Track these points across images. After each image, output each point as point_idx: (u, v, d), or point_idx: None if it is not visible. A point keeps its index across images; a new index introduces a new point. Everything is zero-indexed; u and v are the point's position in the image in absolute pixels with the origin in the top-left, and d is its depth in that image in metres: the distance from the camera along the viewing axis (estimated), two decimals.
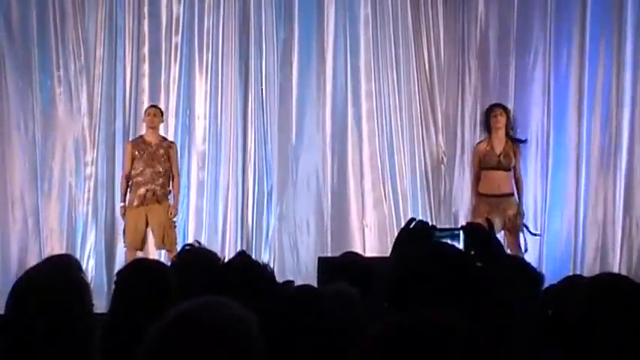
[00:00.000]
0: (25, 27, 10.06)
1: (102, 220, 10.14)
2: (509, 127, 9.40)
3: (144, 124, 9.51)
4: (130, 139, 9.78)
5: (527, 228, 9.32)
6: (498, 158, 9.20)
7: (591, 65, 10.34)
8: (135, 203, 9.17)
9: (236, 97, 10.46)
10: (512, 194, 9.24)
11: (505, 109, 9.44)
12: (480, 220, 8.69)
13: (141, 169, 9.19)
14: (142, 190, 9.17)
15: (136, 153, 9.23)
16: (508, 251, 8.84)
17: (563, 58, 10.45)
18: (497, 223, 8.85)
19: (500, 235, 8.96)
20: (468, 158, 10.51)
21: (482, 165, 9.31)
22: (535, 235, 9.53)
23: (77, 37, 10.23)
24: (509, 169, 9.24)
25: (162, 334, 1.59)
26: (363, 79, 10.61)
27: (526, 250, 9.18)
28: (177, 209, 9.38)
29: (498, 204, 9.13)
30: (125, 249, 9.32)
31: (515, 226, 9.15)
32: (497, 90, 10.53)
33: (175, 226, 9.31)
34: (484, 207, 9.12)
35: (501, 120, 9.31)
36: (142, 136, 9.41)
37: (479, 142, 9.52)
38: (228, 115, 10.44)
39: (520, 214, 9.27)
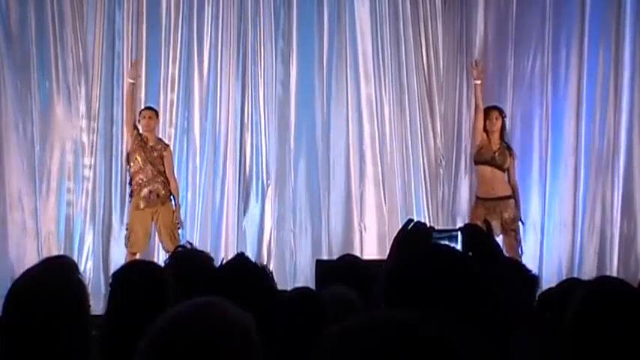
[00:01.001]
0: (24, 28, 10.05)
1: (99, 222, 10.14)
2: (504, 131, 9.41)
3: (140, 126, 9.47)
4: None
5: (521, 221, 9.35)
6: (494, 154, 9.21)
7: (589, 69, 10.33)
8: (141, 206, 9.14)
9: (234, 100, 10.45)
10: (509, 197, 9.23)
11: (501, 113, 9.45)
12: (478, 223, 8.71)
13: (141, 165, 9.17)
14: (145, 192, 9.15)
15: (136, 146, 9.21)
16: (506, 254, 8.87)
17: (561, 63, 10.45)
18: (495, 226, 8.86)
19: (499, 239, 8.97)
20: (467, 162, 10.52)
21: (478, 158, 9.34)
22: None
23: (76, 39, 10.22)
24: (502, 169, 9.23)
25: (160, 334, 1.59)
26: (362, 83, 10.60)
27: (522, 253, 9.19)
28: (180, 215, 9.34)
29: (495, 207, 9.13)
30: (127, 252, 9.29)
31: (512, 229, 9.14)
32: (495, 93, 10.52)
33: (180, 228, 9.28)
34: (481, 210, 9.13)
35: (497, 124, 9.35)
36: (141, 134, 9.37)
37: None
38: (226, 118, 10.43)
39: (517, 217, 9.26)
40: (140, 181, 9.18)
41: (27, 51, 10.05)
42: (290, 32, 10.59)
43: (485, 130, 9.39)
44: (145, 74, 10.33)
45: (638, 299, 2.59)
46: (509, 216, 9.14)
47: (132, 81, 9.47)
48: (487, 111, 9.51)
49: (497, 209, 9.12)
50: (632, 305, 2.53)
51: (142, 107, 9.70)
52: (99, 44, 10.27)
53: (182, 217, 9.66)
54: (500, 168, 9.25)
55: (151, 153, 9.21)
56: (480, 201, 9.28)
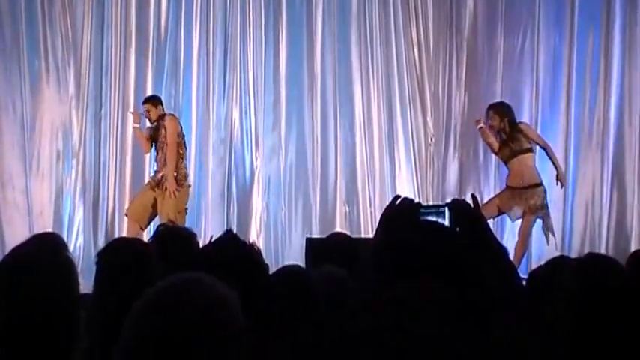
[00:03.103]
0: (13, 6, 10.01)
1: (89, 199, 10.16)
2: (509, 120, 9.16)
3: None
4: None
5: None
6: (510, 147, 9.08)
7: (579, 48, 10.35)
8: (151, 185, 9.14)
9: (223, 77, 10.45)
10: (538, 184, 9.08)
11: (489, 113, 9.18)
12: (497, 202, 8.91)
13: (156, 154, 9.19)
14: (159, 176, 9.14)
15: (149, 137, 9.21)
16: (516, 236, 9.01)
17: (551, 41, 10.46)
18: (517, 210, 8.92)
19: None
20: (457, 141, 10.52)
21: (504, 159, 9.15)
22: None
23: (65, 18, 10.20)
24: (527, 150, 9.06)
25: (145, 310, 1.59)
26: (353, 62, 10.60)
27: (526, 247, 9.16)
28: (170, 183, 8.98)
29: (521, 194, 9.01)
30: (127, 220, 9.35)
31: (532, 213, 9.04)
32: (485, 72, 10.54)
33: (186, 213, 9.19)
34: (507, 194, 9.05)
35: (493, 125, 9.12)
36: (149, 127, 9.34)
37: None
38: (216, 95, 10.43)
39: (543, 205, 9.11)
40: (157, 168, 9.19)
41: (16, 30, 10.02)
42: (280, 12, 10.57)
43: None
44: (134, 52, 10.32)
45: (626, 273, 2.60)
46: (534, 203, 9.03)
47: (137, 126, 9.37)
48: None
49: (523, 196, 9.02)
50: (620, 282, 2.54)
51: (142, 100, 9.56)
52: (88, 24, 10.25)
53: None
54: (524, 151, 9.07)
55: (158, 135, 9.15)
56: (508, 188, 9.16)
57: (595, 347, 2.43)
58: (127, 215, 9.40)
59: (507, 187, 9.18)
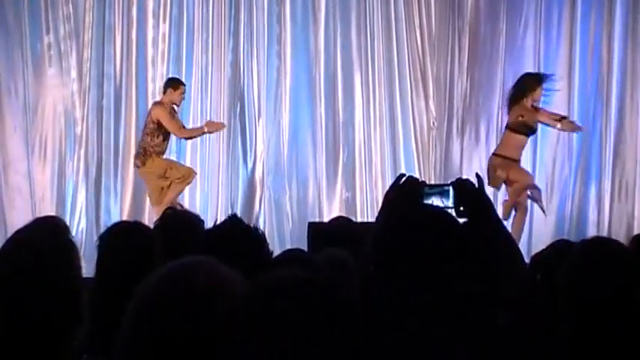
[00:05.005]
0: None
1: (92, 184, 10.15)
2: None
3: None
4: None
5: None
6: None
7: (582, 31, 10.34)
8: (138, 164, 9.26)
9: (226, 59, 10.43)
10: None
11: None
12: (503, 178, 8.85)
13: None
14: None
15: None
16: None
17: (553, 25, 10.44)
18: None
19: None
20: (459, 124, 10.51)
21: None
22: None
23: (67, 1, 10.17)
24: (532, 131, 9.06)
25: (148, 294, 1.58)
26: (354, 46, 10.57)
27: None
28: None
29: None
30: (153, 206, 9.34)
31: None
32: (487, 57, 10.51)
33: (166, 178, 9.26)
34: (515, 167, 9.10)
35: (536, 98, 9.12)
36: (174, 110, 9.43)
37: None
38: (218, 77, 10.41)
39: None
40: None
41: (18, 13, 10.01)
42: None
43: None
44: (135, 35, 10.30)
45: (630, 256, 2.59)
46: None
47: (207, 131, 9.41)
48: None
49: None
50: (623, 264, 2.53)
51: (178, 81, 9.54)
52: (90, 6, 10.23)
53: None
54: (533, 132, 9.09)
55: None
56: (514, 162, 9.13)
57: (596, 346, 2.42)
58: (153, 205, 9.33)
59: (513, 160, 9.09)
